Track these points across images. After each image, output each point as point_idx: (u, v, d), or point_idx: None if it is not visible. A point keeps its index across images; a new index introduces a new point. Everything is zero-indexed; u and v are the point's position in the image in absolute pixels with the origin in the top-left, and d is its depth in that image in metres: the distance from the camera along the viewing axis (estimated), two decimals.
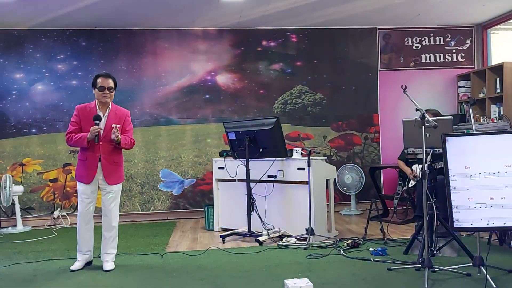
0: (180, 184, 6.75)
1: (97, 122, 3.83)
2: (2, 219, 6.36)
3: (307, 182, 4.78)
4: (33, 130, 6.54)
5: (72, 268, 3.94)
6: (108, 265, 3.94)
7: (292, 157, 5.07)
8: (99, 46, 6.65)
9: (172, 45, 6.78)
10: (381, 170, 6.95)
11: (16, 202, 6.11)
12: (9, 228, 6.07)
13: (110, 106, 3.98)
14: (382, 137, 7.07)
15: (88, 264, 4.07)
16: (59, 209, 6.47)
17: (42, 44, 6.55)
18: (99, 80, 3.91)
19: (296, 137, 6.90)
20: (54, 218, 6.42)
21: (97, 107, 3.95)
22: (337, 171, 5.56)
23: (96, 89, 3.91)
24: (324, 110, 6.99)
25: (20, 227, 6.05)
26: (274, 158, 5.00)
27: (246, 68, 6.90)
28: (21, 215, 6.17)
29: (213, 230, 5.65)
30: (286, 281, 2.92)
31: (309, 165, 4.72)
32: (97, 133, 3.80)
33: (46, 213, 6.51)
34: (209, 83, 6.84)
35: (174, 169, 6.75)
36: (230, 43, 6.88)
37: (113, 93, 3.97)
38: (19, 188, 6.14)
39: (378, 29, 7.10)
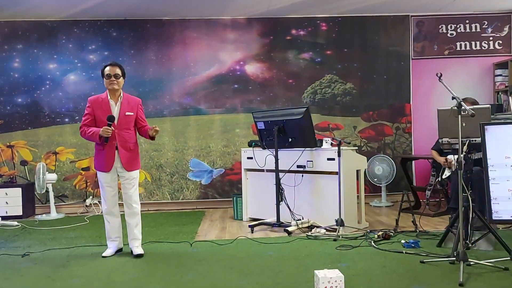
0: (209, 173, 6.77)
1: (110, 123, 3.88)
2: (37, 206, 6.54)
3: (337, 173, 4.71)
4: (66, 120, 6.67)
5: (103, 254, 4.02)
6: (138, 249, 4.01)
7: (322, 147, 4.99)
8: (129, 37, 6.70)
9: (201, 35, 6.78)
10: (413, 161, 6.79)
11: (50, 189, 6.26)
12: (44, 215, 6.23)
13: (121, 95, 4.03)
14: (414, 128, 6.90)
15: (119, 251, 4.14)
16: (91, 197, 6.60)
17: (75, 34, 6.65)
18: (106, 69, 3.98)
19: (326, 127, 6.81)
20: (86, 205, 6.55)
21: (108, 97, 4.00)
22: (367, 162, 5.46)
23: (104, 78, 3.98)
24: (355, 100, 6.87)
25: (54, 214, 6.20)
26: (303, 148, 4.94)
27: (275, 57, 6.83)
28: (55, 203, 6.33)
29: (242, 219, 5.65)
30: (316, 271, 2.88)
31: (339, 156, 4.64)
32: (109, 134, 3.85)
33: (79, 200, 6.65)
34: (238, 72, 6.81)
35: (203, 159, 6.78)
36: (258, 32, 6.82)
37: (120, 80, 4.00)
38: (53, 176, 6.28)
39: (411, 16, 6.90)
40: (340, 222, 4.58)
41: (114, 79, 3.94)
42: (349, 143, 5.25)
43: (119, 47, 6.69)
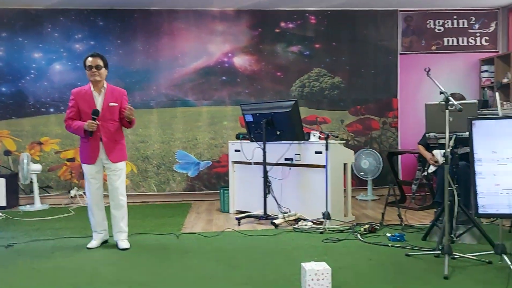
0: (195, 166, 6.74)
1: (94, 117, 3.83)
2: (20, 197, 6.45)
3: (324, 166, 4.72)
4: (51, 110, 6.57)
5: (88, 246, 3.99)
6: (123, 243, 3.97)
7: (310, 140, 5.00)
8: (116, 26, 6.61)
9: (189, 26, 6.71)
10: (399, 156, 6.84)
11: (35, 180, 6.17)
12: (28, 205, 6.14)
13: (105, 86, 3.97)
14: (401, 122, 6.95)
15: (104, 242, 4.11)
16: (75, 188, 6.53)
17: (60, 23, 6.54)
18: (87, 60, 3.93)
19: (313, 120, 6.82)
20: (71, 197, 6.48)
21: (92, 88, 3.94)
22: (354, 155, 5.48)
23: (86, 69, 3.92)
24: (342, 94, 6.88)
25: (38, 205, 6.12)
26: (291, 141, 4.94)
27: (264, 50, 6.81)
28: (39, 193, 6.24)
29: (229, 212, 5.65)
30: (303, 264, 2.89)
31: (326, 149, 4.66)
32: (94, 128, 3.80)
33: (64, 191, 6.57)
34: (226, 64, 6.77)
35: (190, 151, 6.74)
36: (247, 24, 6.78)
37: (102, 71, 3.93)
38: (37, 167, 6.19)
39: (400, 11, 6.92)
40: (326, 215, 4.60)
41: (95, 70, 3.88)
42: (337, 136, 5.25)
43: (106, 37, 6.60)
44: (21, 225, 5.02)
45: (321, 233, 4.38)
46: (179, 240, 4.25)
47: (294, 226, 4.63)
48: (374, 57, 6.91)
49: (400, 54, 6.94)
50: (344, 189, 5.04)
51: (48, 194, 6.52)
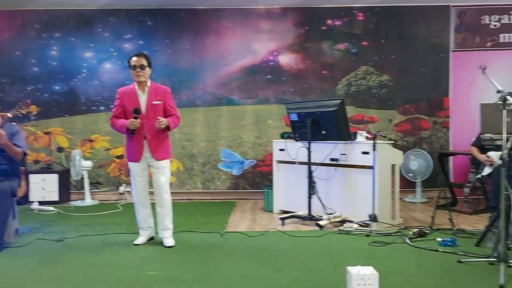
0: (240, 164, 6.76)
1: (136, 115, 3.87)
2: (72, 193, 6.68)
3: (371, 167, 4.59)
4: (101, 108, 6.77)
5: (135, 242, 4.06)
6: (168, 241, 4.01)
7: (356, 140, 4.89)
8: (164, 26, 6.72)
9: (235, 25, 6.73)
10: (450, 157, 6.57)
11: (85, 176, 6.38)
12: (79, 201, 6.36)
13: (148, 84, 4.01)
14: (453, 122, 6.67)
15: (150, 239, 4.17)
16: (124, 184, 6.69)
17: (111, 23, 6.72)
18: (131, 60, 3.97)
19: (360, 120, 6.67)
20: (119, 193, 6.64)
21: (136, 87, 4.00)
22: (403, 156, 5.30)
23: (130, 69, 3.97)
24: (391, 93, 6.69)
25: (88, 201, 6.32)
26: (337, 141, 4.85)
27: (310, 48, 6.72)
28: (89, 189, 6.45)
29: (272, 212, 5.61)
30: (349, 268, 2.81)
31: (374, 149, 4.53)
32: (136, 127, 3.85)
33: (112, 188, 6.75)
34: (271, 63, 6.74)
35: (234, 150, 6.76)
36: (293, 22, 6.71)
37: (146, 70, 3.98)
38: (88, 163, 6.40)
39: (452, 6, 6.64)
40: (373, 218, 4.48)
41: (139, 70, 3.93)
42: (385, 136, 5.10)
43: (154, 36, 6.72)
44: (72, 220, 5.20)
45: (368, 235, 4.27)
46: (223, 239, 4.26)
47: (339, 228, 4.53)
48: (424, 54, 6.67)
49: (453, 51, 6.66)
50: (392, 191, 4.88)
51: (97, 190, 6.73)
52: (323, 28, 6.70)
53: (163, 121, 3.90)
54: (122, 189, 6.63)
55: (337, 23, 6.70)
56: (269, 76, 6.74)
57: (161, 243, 4.04)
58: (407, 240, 4.04)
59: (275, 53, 6.73)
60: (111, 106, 6.59)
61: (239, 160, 6.75)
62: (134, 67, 3.93)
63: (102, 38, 6.73)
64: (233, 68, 6.75)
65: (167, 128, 3.97)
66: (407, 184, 6.52)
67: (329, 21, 6.70)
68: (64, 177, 6.48)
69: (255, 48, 6.74)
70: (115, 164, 6.79)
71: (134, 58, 3.96)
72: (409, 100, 6.69)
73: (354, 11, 6.67)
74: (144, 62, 3.96)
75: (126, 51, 6.70)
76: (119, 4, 6.53)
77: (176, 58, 6.71)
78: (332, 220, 4.70)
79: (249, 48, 6.73)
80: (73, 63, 6.73)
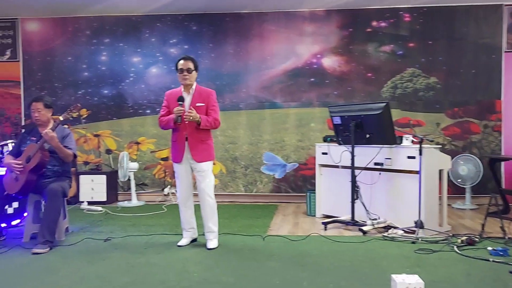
0: (282, 167, 6.74)
1: (180, 103, 3.93)
2: (119, 193, 6.89)
3: (417, 172, 4.46)
4: (148, 111, 6.95)
5: (178, 244, 4.13)
6: (211, 243, 4.04)
7: (402, 144, 4.77)
8: (209, 30, 6.82)
9: (278, 28, 6.73)
10: (502, 162, 6.29)
11: (132, 178, 6.56)
12: (125, 201, 6.54)
13: (194, 87, 4.06)
14: (505, 126, 6.39)
15: (193, 241, 4.22)
16: (169, 186, 6.83)
17: (157, 28, 6.88)
18: (179, 63, 4.03)
19: (406, 123, 6.51)
20: (164, 194, 6.78)
21: (182, 89, 4.07)
22: (451, 161, 5.13)
23: (177, 72, 4.02)
24: (438, 95, 6.49)
25: (134, 202, 6.50)
26: (381, 145, 4.75)
27: (354, 50, 6.63)
28: (135, 190, 6.62)
29: (315, 216, 5.56)
30: (393, 276, 2.74)
31: (420, 154, 4.40)
32: (180, 113, 3.89)
33: (158, 189, 6.91)
34: (315, 66, 6.69)
35: (277, 153, 6.76)
36: (337, 24, 6.64)
37: (192, 74, 4.03)
38: (135, 165, 6.57)
39: (505, 5, 6.37)
40: (419, 224, 4.35)
41: (186, 73, 3.99)
42: (432, 140, 4.95)
43: (199, 41, 6.83)
44: (119, 220, 5.35)
45: (413, 242, 4.15)
46: (265, 242, 4.26)
47: (383, 234, 4.43)
48: (474, 56, 6.43)
49: (505, 52, 6.39)
50: (439, 197, 4.73)
51: (143, 191, 6.90)
52: (368, 30, 6.59)
53: (194, 113, 3.89)
54: (166, 190, 6.77)
55: (383, 24, 6.57)
56: (312, 79, 6.70)
57: (204, 244, 4.08)
58: (455, 248, 3.89)
59: (318, 55, 6.68)
60: (157, 109, 6.83)
61: (282, 163, 6.74)
62: (181, 70, 4.00)
63: (148, 43, 6.91)
64: (276, 71, 6.75)
65: (198, 123, 3.94)
66: (455, 190, 6.30)
67: (374, 23, 6.58)
68: (112, 178, 6.69)
69: (298, 51, 6.72)
70: (160, 166, 6.94)
71: (182, 61, 4.02)
72: (458, 103, 6.47)
73: (400, 12, 6.52)
74: (191, 66, 4.02)
75: (172, 55, 6.84)
76: (166, 10, 6.69)
77: (220, 62, 6.79)
78: (376, 225, 4.60)
79: (293, 51, 6.72)
80: (121, 67, 6.95)
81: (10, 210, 4.74)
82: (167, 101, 4.13)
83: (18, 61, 7.05)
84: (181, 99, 3.95)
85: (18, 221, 4.83)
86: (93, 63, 6.98)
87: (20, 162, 4.15)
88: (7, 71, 7.08)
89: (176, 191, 6.67)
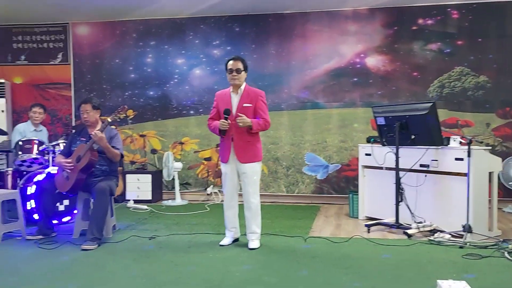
0: (324, 168, 6.69)
1: (226, 116, 3.95)
2: (163, 192, 7.04)
3: (465, 174, 4.31)
4: (191, 112, 7.07)
5: (221, 243, 4.17)
6: (253, 243, 4.06)
7: (449, 145, 4.62)
8: (252, 31, 6.85)
9: (321, 28, 6.68)
10: None
11: (176, 177, 6.69)
12: (170, 200, 6.68)
13: (242, 87, 4.07)
14: None
15: (235, 240, 4.25)
16: (212, 186, 6.92)
17: (201, 30, 6.99)
18: (228, 63, 4.05)
19: (454, 124, 6.30)
20: (207, 194, 6.88)
21: (231, 90, 4.09)
22: (502, 163, 4.92)
23: (227, 72, 4.05)
24: (488, 95, 6.24)
25: (178, 201, 6.63)
26: (427, 146, 4.62)
27: (399, 49, 6.48)
28: (179, 190, 6.75)
29: (358, 218, 5.48)
30: (439, 281, 2.67)
31: (469, 155, 4.25)
32: (225, 128, 3.93)
33: (201, 189, 7.01)
34: (358, 65, 6.60)
35: (319, 153, 6.71)
36: (382, 23, 6.52)
37: (241, 74, 4.04)
38: (179, 165, 6.71)
39: None
40: (467, 228, 4.20)
41: (235, 73, 4.02)
42: (481, 142, 4.77)
43: (241, 42, 6.88)
44: (163, 219, 5.47)
45: (461, 247, 4.02)
46: (307, 244, 4.24)
47: (429, 238, 4.32)
48: None
49: None
50: (489, 200, 4.55)
51: (187, 191, 7.03)
52: (414, 28, 6.43)
53: (244, 118, 3.92)
54: (209, 190, 6.86)
55: (429, 22, 6.39)
56: (355, 79, 6.61)
57: (245, 245, 4.11)
58: (506, 254, 3.74)
59: (362, 55, 6.58)
60: (200, 110, 6.96)
61: (324, 164, 6.69)
62: (231, 70, 4.03)
63: (192, 45, 7.03)
64: (318, 72, 6.71)
65: (250, 128, 3.97)
66: (506, 193, 6.04)
67: (420, 21, 6.41)
68: (157, 177, 6.85)
69: (341, 51, 6.64)
70: (203, 166, 7.04)
71: (231, 62, 4.05)
72: (509, 102, 6.20)
73: (448, 9, 6.32)
74: (240, 66, 4.04)
75: (215, 57, 6.93)
76: (209, 12, 6.78)
77: (262, 63, 6.81)
78: (422, 229, 4.49)
79: (335, 51, 6.65)
80: (166, 69, 7.10)
81: (61, 208, 4.96)
82: (216, 101, 4.17)
83: (69, 64, 7.35)
84: (227, 112, 3.98)
85: (68, 218, 5.04)
86: (140, 65, 7.17)
87: (70, 161, 4.32)
88: (59, 73, 7.40)
89: (219, 190, 6.79)
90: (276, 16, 6.77)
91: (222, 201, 6.58)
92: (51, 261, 3.70)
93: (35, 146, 5.16)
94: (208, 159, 7.02)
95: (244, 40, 6.88)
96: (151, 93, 7.16)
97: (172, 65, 7.10)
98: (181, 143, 7.10)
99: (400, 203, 4.64)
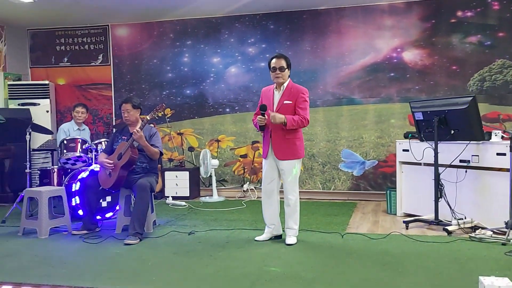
0: (361, 165, 6.64)
1: (262, 112, 3.98)
2: (201, 189, 7.17)
3: (508, 170, 4.20)
4: (227, 110, 7.16)
5: (256, 238, 4.23)
6: (290, 239, 4.09)
7: (490, 140, 4.51)
8: (286, 28, 6.87)
9: (356, 23, 6.62)
10: None
11: (213, 174, 6.80)
12: (207, 197, 6.80)
13: (285, 85, 4.09)
14: None
15: (278, 237, 4.25)
16: (248, 182, 6.99)
17: (236, 29, 7.06)
18: (272, 61, 4.09)
19: (495, 118, 6.12)
20: (243, 190, 6.96)
21: (275, 86, 4.14)
22: None
23: (270, 70, 4.08)
24: None
25: (215, 197, 6.73)
26: (468, 141, 4.52)
27: (437, 43, 6.35)
28: (216, 186, 6.86)
29: (395, 214, 5.43)
30: (481, 278, 2.62)
31: (511, 150, 4.14)
32: (262, 123, 3.97)
33: (237, 185, 7.10)
34: (395, 60, 6.50)
35: (355, 150, 6.67)
36: (419, 16, 6.40)
37: (285, 73, 4.07)
38: (216, 162, 6.81)
39: None
40: (510, 225, 4.09)
41: (279, 72, 4.05)
42: None
43: (276, 39, 6.91)
44: (201, 215, 5.58)
45: (504, 244, 3.92)
46: (343, 240, 4.24)
47: (470, 235, 4.23)
48: None
49: None
50: None
51: (223, 187, 7.13)
52: (452, 20, 6.28)
53: (276, 115, 3.91)
54: (245, 187, 6.93)
55: (469, 14, 6.23)
56: (392, 74, 6.52)
57: (283, 240, 4.15)
58: None
59: (398, 49, 6.49)
60: (236, 107, 7.03)
61: (360, 161, 6.64)
62: (274, 68, 4.07)
63: (228, 44, 7.11)
64: (354, 67, 6.66)
65: (284, 124, 3.95)
66: None
67: (459, 13, 6.25)
68: (194, 174, 6.98)
69: (377, 46, 6.57)
70: (239, 163, 7.12)
71: (274, 60, 4.08)
72: None
73: (489, 1, 6.14)
74: (284, 64, 4.07)
75: (250, 55, 6.99)
76: (244, 10, 6.84)
77: (297, 60, 6.81)
78: (462, 225, 4.40)
79: (371, 46, 6.58)
80: (203, 68, 7.21)
81: (104, 204, 5.14)
82: (261, 98, 4.25)
83: (109, 65, 7.58)
84: (263, 107, 4.01)
85: (111, 213, 5.22)
86: (176, 65, 7.31)
87: (111, 161, 4.48)
88: (100, 74, 7.64)
89: (255, 187, 6.85)
90: (311, 12, 6.76)
91: (258, 197, 6.69)
92: (97, 254, 3.86)
93: (79, 145, 5.36)
94: (244, 156, 7.10)
95: (279, 37, 6.90)
96: (188, 92, 7.29)
97: (208, 64, 7.20)
98: (218, 141, 7.21)
99: (440, 200, 4.57)
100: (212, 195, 6.79)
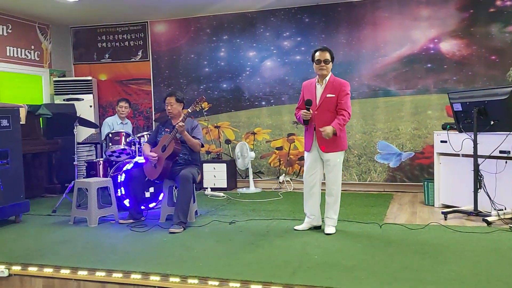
0: (397, 156, 6.65)
1: (307, 107, 4.05)
2: (238, 181, 7.33)
3: None
4: (263, 103, 7.27)
5: (296, 227, 4.34)
6: (329, 229, 4.18)
7: None
8: (321, 22, 6.91)
9: (392, 14, 6.61)
10: None
11: (249, 166, 6.95)
12: (244, 188, 6.96)
13: (327, 78, 4.16)
14: None
15: (317, 228, 4.34)
16: (283, 174, 7.11)
17: (271, 23, 7.16)
18: (316, 54, 4.15)
19: None
20: (279, 182, 7.08)
21: (317, 80, 4.19)
22: None
23: (314, 63, 4.15)
24: None
25: (252, 189, 6.88)
26: (508, 132, 4.49)
27: (475, 33, 6.26)
28: (253, 178, 7.00)
29: (433, 205, 5.44)
30: None
31: None
32: (307, 117, 4.04)
33: (273, 177, 7.22)
34: (432, 51, 6.46)
35: (391, 141, 6.68)
36: (456, 6, 6.33)
37: (329, 65, 4.13)
38: (252, 154, 6.95)
39: None
40: None
41: (323, 64, 4.12)
42: None
43: (311, 32, 6.97)
44: (240, 205, 5.74)
45: None
46: (382, 230, 4.31)
47: (510, 225, 4.23)
48: None
49: None
50: None
51: (260, 179, 7.27)
52: (491, 10, 6.18)
53: (328, 131, 3.96)
54: (281, 178, 7.05)
55: (508, 3, 6.12)
56: (429, 65, 6.48)
57: (322, 230, 4.25)
58: None
59: (435, 40, 6.44)
60: (272, 100, 7.15)
61: (396, 152, 6.64)
62: (319, 61, 4.13)
63: (263, 38, 7.21)
64: (390, 59, 6.65)
65: (335, 134, 4.01)
66: None
67: (498, 2, 6.15)
68: (231, 166, 7.14)
69: (413, 37, 6.53)
70: (275, 155, 7.24)
71: (318, 53, 4.15)
72: None
73: None
74: (328, 57, 4.14)
75: (285, 48, 7.08)
76: (279, 4, 6.92)
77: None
78: (502, 216, 4.40)
79: (407, 37, 6.55)
80: (239, 62, 7.35)
81: (147, 194, 5.36)
82: (302, 91, 4.31)
83: (148, 60, 7.82)
84: (308, 102, 4.09)
85: (154, 204, 5.45)
86: (213, 59, 7.47)
87: (155, 154, 4.67)
88: (139, 70, 7.89)
89: (291, 179, 6.97)
90: (346, 4, 6.78)
91: (294, 189, 6.80)
92: (144, 242, 4.07)
93: (123, 138, 5.59)
94: (280, 148, 7.21)
95: (314, 30, 6.96)
96: (225, 85, 7.45)
97: (244, 58, 7.33)
98: (254, 133, 7.34)
99: (479, 190, 4.56)
100: (249, 187, 6.94)
